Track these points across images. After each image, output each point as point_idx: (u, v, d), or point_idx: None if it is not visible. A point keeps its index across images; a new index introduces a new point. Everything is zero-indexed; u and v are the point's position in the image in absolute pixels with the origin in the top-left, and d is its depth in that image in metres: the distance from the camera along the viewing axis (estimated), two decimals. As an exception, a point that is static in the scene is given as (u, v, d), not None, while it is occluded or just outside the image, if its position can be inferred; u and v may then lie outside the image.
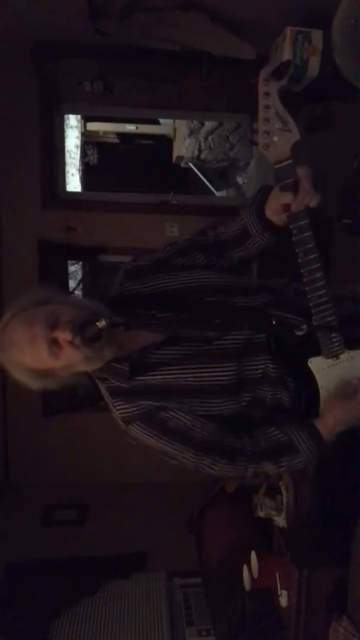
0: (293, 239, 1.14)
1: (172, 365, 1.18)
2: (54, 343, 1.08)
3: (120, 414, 1.19)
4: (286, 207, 1.15)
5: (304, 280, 1.15)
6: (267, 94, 1.10)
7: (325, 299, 1.15)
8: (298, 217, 1.14)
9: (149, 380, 1.19)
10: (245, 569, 2.07)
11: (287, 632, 1.88)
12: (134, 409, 1.18)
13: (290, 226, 1.15)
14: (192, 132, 5.24)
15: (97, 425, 3.62)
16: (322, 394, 1.21)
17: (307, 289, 1.15)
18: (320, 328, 1.16)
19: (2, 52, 3.07)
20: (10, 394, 3.69)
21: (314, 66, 2.52)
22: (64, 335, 1.07)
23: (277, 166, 1.13)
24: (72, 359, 1.10)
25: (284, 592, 1.87)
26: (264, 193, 1.23)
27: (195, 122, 5.10)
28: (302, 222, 1.14)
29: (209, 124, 5.11)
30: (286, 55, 2.47)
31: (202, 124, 5.14)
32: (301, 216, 1.14)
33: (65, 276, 3.78)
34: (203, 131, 5.20)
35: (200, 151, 5.31)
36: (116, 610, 2.76)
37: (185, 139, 5.29)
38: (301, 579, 1.76)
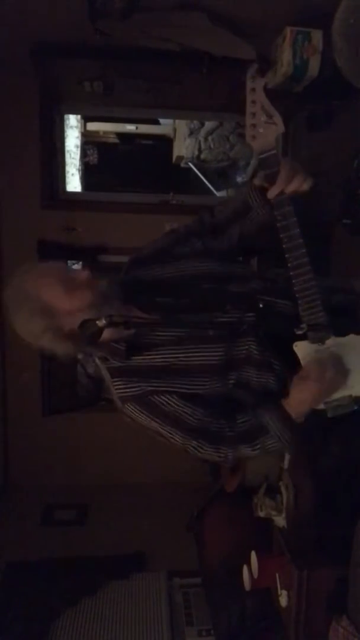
0: (277, 224, 1.20)
1: (165, 346, 1.26)
2: (72, 281, 1.20)
3: (118, 393, 1.28)
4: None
5: (289, 265, 1.20)
6: (253, 89, 1.18)
7: (310, 284, 1.20)
8: (282, 203, 1.19)
9: (143, 360, 1.26)
10: (245, 569, 2.07)
11: (287, 632, 1.88)
12: (130, 390, 1.26)
13: (275, 212, 1.20)
14: (192, 132, 5.24)
15: (97, 425, 3.62)
16: None
17: (291, 274, 1.20)
18: (318, 326, 1.20)
19: (2, 52, 3.07)
20: (11, 394, 3.69)
21: (314, 66, 2.52)
22: (83, 275, 1.21)
23: (261, 156, 1.20)
24: (85, 298, 1.18)
25: (284, 592, 1.86)
26: None
27: (195, 122, 5.09)
28: (286, 209, 1.19)
29: (209, 124, 5.10)
30: (286, 55, 2.48)
31: (202, 124, 5.13)
32: (285, 203, 1.19)
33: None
34: (203, 131, 5.19)
35: (200, 151, 5.30)
36: (116, 610, 2.77)
37: (185, 139, 5.28)
38: (301, 579, 1.76)
